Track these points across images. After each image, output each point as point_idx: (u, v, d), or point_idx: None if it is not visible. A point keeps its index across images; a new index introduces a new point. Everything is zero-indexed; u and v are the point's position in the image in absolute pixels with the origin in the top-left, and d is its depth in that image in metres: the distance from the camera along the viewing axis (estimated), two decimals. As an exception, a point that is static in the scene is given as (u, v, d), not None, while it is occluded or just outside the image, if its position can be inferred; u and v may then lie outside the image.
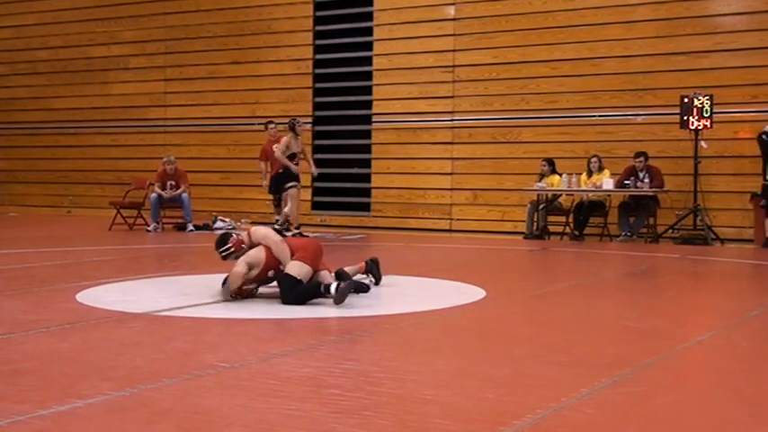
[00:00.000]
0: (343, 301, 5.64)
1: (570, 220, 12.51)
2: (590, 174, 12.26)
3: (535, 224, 12.67)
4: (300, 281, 5.89)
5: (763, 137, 11.17)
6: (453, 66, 13.90)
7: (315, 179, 13.80)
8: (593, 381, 3.73)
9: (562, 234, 12.59)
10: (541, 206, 12.65)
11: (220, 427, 3.08)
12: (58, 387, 3.61)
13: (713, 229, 11.70)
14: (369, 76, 14.68)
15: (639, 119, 12.64)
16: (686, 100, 11.59)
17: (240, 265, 5.97)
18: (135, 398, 3.43)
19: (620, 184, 11.88)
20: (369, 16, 14.71)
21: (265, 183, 13.03)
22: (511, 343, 4.84)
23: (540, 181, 12.60)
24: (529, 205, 12.75)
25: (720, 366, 4.35)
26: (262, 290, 6.25)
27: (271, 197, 12.96)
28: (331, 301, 5.68)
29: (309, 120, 15.08)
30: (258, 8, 15.60)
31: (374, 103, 14.60)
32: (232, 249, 6.18)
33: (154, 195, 13.39)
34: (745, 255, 10.42)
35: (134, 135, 16.82)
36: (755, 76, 11.90)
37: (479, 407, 3.38)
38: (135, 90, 16.83)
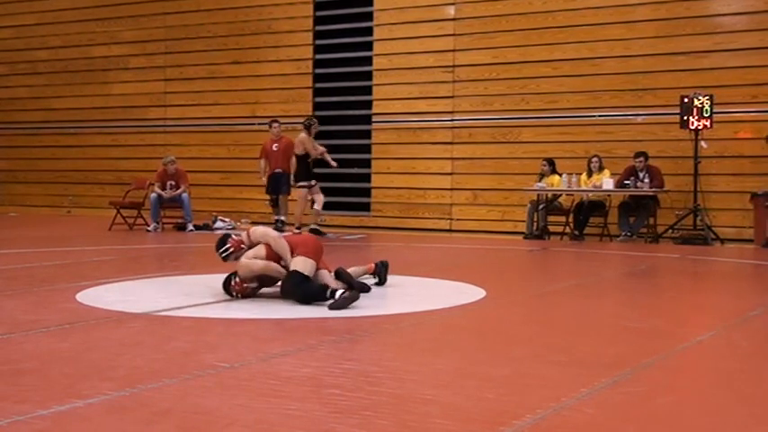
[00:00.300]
0: (341, 309, 5.61)
1: (570, 220, 12.51)
2: (590, 174, 12.26)
3: (535, 224, 12.67)
4: (308, 277, 5.90)
5: None
6: (453, 66, 13.90)
7: (297, 178, 13.78)
8: (593, 381, 3.73)
9: (562, 234, 12.59)
10: (541, 206, 12.65)
11: (220, 427, 3.08)
12: (58, 387, 3.61)
13: (713, 229, 11.70)
14: (369, 76, 14.69)
15: (639, 119, 12.64)
16: (686, 100, 11.59)
17: (248, 256, 6.02)
18: (135, 398, 3.43)
19: (620, 184, 11.88)
20: (369, 16, 14.71)
21: (264, 180, 13.08)
22: (511, 343, 4.84)
23: (540, 181, 12.60)
24: (529, 205, 12.75)
25: (720, 366, 4.34)
26: (262, 290, 6.25)
27: (267, 197, 13.01)
28: (330, 302, 5.68)
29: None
30: (258, 8, 15.60)
31: (374, 103, 14.61)
32: (231, 250, 6.23)
33: (154, 195, 13.39)
34: (745, 255, 10.41)
35: (134, 135, 16.83)
36: (755, 76, 11.90)
37: (479, 407, 3.38)
38: (135, 90, 16.83)
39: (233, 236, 6.36)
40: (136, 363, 4.09)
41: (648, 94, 12.56)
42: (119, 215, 13.55)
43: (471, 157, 13.79)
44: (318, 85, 15.22)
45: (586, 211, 12.35)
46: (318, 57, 15.20)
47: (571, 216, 12.49)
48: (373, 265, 6.95)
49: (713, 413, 3.43)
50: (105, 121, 17.09)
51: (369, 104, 14.69)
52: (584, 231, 12.34)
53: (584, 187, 12.21)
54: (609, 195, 12.31)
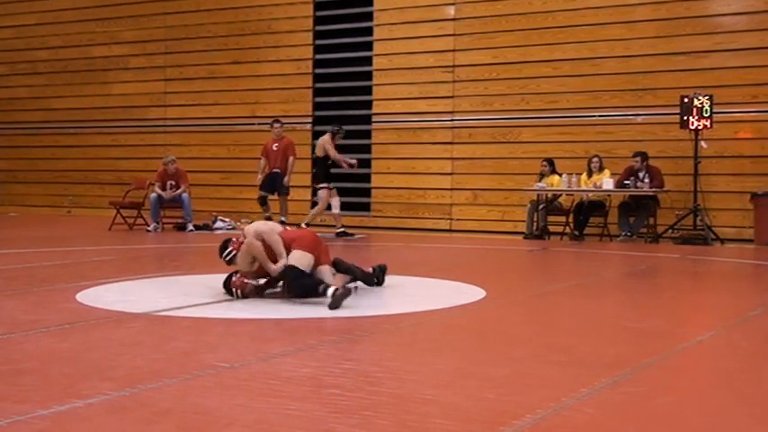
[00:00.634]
0: (338, 306, 5.61)
1: (570, 220, 12.50)
2: (590, 174, 12.26)
3: (535, 224, 12.67)
4: (305, 272, 5.92)
5: None
6: (453, 66, 13.90)
7: (317, 178, 13.79)
8: (593, 381, 3.73)
9: (562, 234, 12.59)
10: (541, 206, 12.65)
11: (220, 427, 3.08)
12: (58, 387, 3.61)
13: (713, 229, 11.70)
14: (369, 76, 14.69)
15: (639, 119, 12.64)
16: (686, 100, 11.58)
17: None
18: (135, 398, 3.43)
19: (620, 184, 11.88)
20: (369, 16, 14.71)
21: (260, 177, 13.08)
22: (511, 343, 4.84)
23: (540, 181, 12.60)
24: (529, 205, 12.75)
25: (720, 366, 4.34)
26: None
27: (260, 193, 13.05)
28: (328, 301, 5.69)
29: (309, 120, 15.11)
30: (258, 8, 15.60)
31: (374, 103, 14.61)
32: (234, 251, 6.30)
33: (154, 195, 13.39)
34: (745, 255, 10.42)
35: (134, 135, 16.83)
36: (755, 76, 11.90)
37: (479, 407, 3.38)
38: (135, 90, 16.83)
39: (233, 239, 6.41)
40: (136, 363, 4.09)
41: (648, 94, 12.56)
42: (119, 215, 13.55)
43: (471, 157, 13.79)
44: (318, 85, 15.22)
45: (586, 211, 12.35)
46: (318, 57, 15.20)
47: (571, 216, 12.48)
48: (371, 270, 6.92)
49: (713, 413, 3.43)
50: (105, 121, 17.09)
51: (369, 104, 14.69)
52: (584, 231, 12.34)
53: (584, 187, 12.21)
54: (609, 195, 12.31)
